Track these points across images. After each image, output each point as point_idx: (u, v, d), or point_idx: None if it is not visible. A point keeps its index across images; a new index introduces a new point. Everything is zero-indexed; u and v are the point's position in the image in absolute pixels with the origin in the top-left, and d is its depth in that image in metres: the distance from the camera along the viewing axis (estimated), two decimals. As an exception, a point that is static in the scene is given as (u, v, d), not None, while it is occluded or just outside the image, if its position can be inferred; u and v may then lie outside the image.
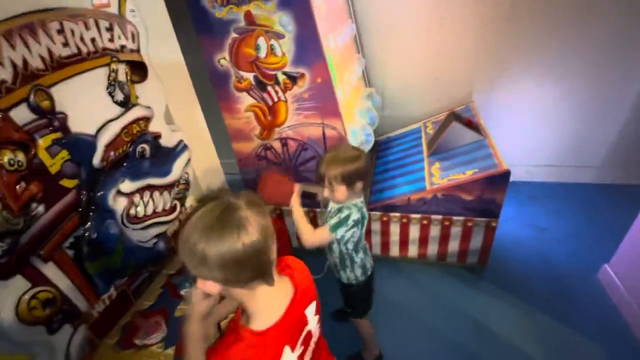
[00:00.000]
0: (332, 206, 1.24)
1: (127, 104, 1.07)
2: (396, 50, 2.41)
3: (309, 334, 0.74)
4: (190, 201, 1.40)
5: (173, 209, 1.28)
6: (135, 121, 1.09)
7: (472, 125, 1.98)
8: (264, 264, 0.63)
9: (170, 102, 1.41)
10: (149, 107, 1.16)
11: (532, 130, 2.46)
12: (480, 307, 1.79)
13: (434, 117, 2.49)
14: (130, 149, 1.08)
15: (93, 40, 0.94)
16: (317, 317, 0.78)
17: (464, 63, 2.33)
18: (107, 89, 1.01)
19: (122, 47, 1.05)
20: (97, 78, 0.97)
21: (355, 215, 1.15)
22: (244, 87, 1.65)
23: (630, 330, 1.57)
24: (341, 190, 1.13)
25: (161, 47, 1.37)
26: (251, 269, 0.61)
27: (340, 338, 1.65)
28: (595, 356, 1.51)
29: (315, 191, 1.31)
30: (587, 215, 2.29)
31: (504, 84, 2.34)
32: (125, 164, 1.06)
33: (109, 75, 1.00)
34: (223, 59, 1.59)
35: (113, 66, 1.01)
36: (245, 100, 1.69)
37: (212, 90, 1.73)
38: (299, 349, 0.69)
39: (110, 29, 1.00)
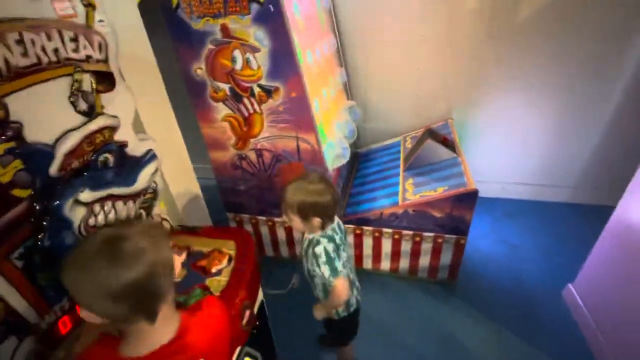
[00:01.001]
0: (305, 237, 1.21)
1: (91, 113, 1.07)
2: (379, 65, 2.45)
3: None
4: (157, 210, 1.40)
5: (137, 218, 1.27)
6: (99, 130, 1.08)
7: (447, 142, 2.02)
8: (144, 301, 0.60)
9: (142, 110, 1.40)
10: (115, 117, 1.15)
11: (508, 148, 2.52)
12: (447, 322, 1.81)
13: (414, 131, 2.53)
14: (92, 159, 1.07)
15: (56, 50, 0.94)
16: None
17: (444, 80, 2.39)
18: (70, 98, 1.00)
19: (88, 57, 1.05)
20: (58, 87, 0.97)
21: (329, 245, 1.12)
22: (220, 97, 1.66)
23: (591, 352, 1.60)
24: (296, 221, 1.12)
25: (134, 56, 1.37)
26: (128, 305, 0.59)
27: None
28: (554, 376, 1.54)
29: None
30: (559, 234, 2.35)
31: (482, 102, 2.40)
32: (86, 174, 1.05)
33: (72, 85, 1.00)
34: (199, 69, 1.60)
35: (76, 76, 1.01)
36: (221, 110, 1.71)
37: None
38: None
39: (75, 40, 0.99)
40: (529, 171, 2.58)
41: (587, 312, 1.66)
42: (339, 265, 1.11)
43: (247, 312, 1.12)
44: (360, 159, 2.59)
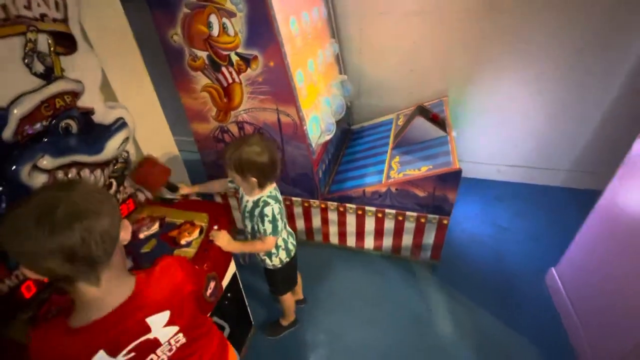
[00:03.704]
0: (247, 199, 1.25)
1: (49, 76, 1.03)
2: (374, 37, 2.34)
3: (150, 342, 0.70)
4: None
5: (107, 187, 1.26)
6: (59, 95, 1.05)
7: (437, 120, 1.94)
8: (78, 264, 0.59)
9: (114, 77, 1.35)
10: (78, 82, 1.11)
11: (504, 129, 2.43)
12: (425, 301, 1.81)
13: (407, 109, 2.44)
14: (52, 124, 1.04)
15: (4, 6, 0.89)
16: (172, 328, 0.73)
17: (440, 56, 2.27)
18: (24, 59, 0.96)
19: (43, 15, 0.99)
20: (9, 48, 0.92)
21: (276, 207, 1.20)
22: (198, 66, 1.59)
23: (567, 335, 1.60)
24: (237, 179, 1.19)
25: (102, 17, 1.31)
26: (62, 267, 0.58)
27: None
28: None
29: (182, 189, 1.41)
30: (550, 218, 2.30)
31: (479, 80, 2.29)
32: (45, 139, 1.03)
33: (26, 45, 0.96)
34: (175, 35, 1.53)
35: (30, 36, 0.96)
36: (201, 80, 1.65)
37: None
38: (124, 356, 0.67)
39: (26, -5, 0.94)
40: (525, 153, 2.50)
41: (566, 297, 1.64)
42: (280, 226, 1.22)
43: (212, 284, 1.12)
44: (351, 136, 2.53)
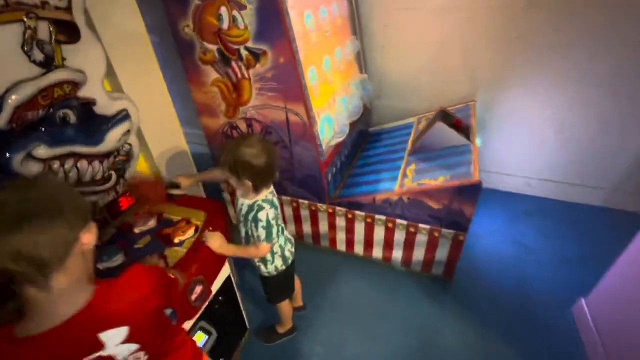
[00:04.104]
0: (242, 202, 1.19)
1: (48, 65, 1.01)
2: (398, 35, 2.21)
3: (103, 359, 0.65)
4: (131, 173, 1.37)
5: (106, 179, 1.25)
6: (58, 84, 1.03)
7: (460, 126, 1.79)
8: (26, 267, 0.55)
9: (121, 68, 1.34)
10: (79, 71, 1.09)
11: (537, 139, 2.22)
12: (433, 320, 1.68)
13: (430, 112, 2.29)
14: (50, 113, 1.03)
15: (3, -8, 0.88)
16: (131, 345, 0.67)
17: (469, 56, 2.11)
18: (23, 47, 0.95)
19: (44, 3, 0.98)
20: (7, 34, 0.92)
21: (271, 212, 1.14)
22: (208, 59, 1.55)
23: (592, 375, 1.42)
24: (232, 180, 1.12)
25: (112, 6, 1.29)
26: (9, 270, 0.55)
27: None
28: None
29: (182, 183, 1.33)
30: (583, 240, 2.07)
31: (511, 85, 2.10)
32: (42, 129, 1.02)
33: (24, 33, 0.94)
34: (187, 27, 1.50)
35: (29, 23, 0.95)
36: (211, 74, 1.61)
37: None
38: None
39: (26, -19, 0.93)
40: (560, 167, 2.27)
41: (595, 332, 1.45)
42: (274, 232, 1.16)
43: (199, 288, 1.07)
44: (369, 139, 2.42)
